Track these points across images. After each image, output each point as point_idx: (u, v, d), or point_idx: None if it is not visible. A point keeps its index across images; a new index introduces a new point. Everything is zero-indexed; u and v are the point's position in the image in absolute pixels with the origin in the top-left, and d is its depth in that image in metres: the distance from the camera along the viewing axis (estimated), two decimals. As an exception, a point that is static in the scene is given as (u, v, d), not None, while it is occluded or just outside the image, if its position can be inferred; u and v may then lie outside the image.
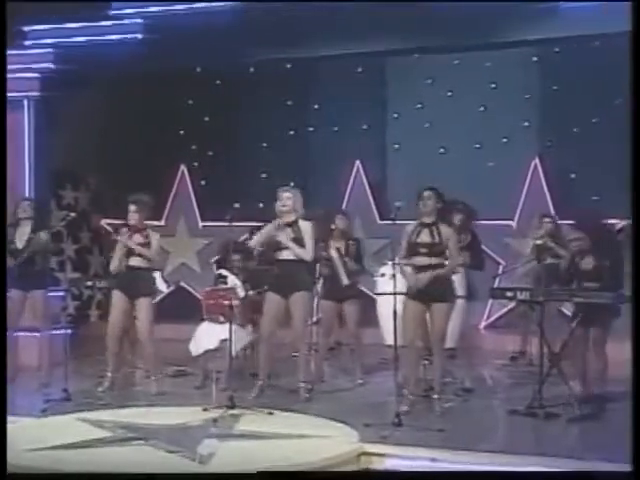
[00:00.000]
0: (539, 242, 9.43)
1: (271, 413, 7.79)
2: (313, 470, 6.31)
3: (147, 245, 8.87)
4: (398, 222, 7.90)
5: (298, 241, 8.37)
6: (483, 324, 12.21)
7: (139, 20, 10.66)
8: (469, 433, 7.37)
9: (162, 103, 12.85)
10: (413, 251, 7.88)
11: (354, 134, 12.89)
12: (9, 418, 7.12)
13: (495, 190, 11.75)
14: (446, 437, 7.10)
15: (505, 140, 12.38)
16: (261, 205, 11.76)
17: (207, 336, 8.93)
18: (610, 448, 6.66)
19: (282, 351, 8.93)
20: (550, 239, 9.86)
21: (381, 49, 10.46)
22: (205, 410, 7.78)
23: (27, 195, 10.17)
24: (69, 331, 9.44)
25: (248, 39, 10.19)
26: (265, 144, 13.28)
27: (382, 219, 12.51)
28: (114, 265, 8.88)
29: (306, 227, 8.44)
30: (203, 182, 13.48)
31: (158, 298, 9.90)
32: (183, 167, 13.49)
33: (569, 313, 8.76)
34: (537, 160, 12.22)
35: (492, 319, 12.29)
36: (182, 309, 11.43)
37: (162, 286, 9.64)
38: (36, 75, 10.55)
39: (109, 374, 8.92)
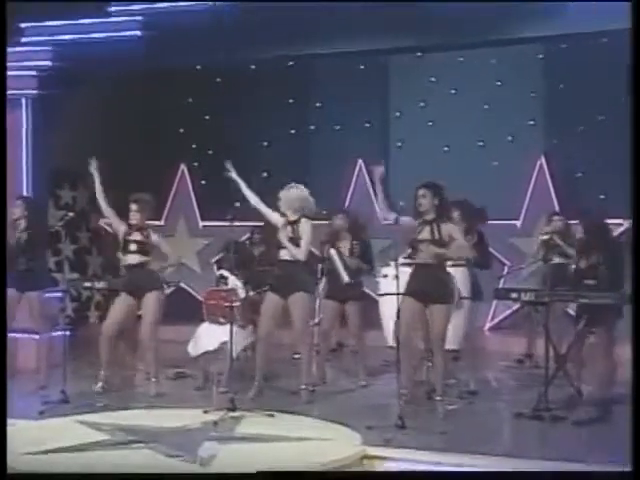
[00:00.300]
0: (545, 237, 9.37)
1: (272, 415, 7.71)
2: (314, 471, 6.24)
3: (147, 245, 8.75)
4: (401, 222, 7.84)
5: (294, 240, 8.35)
6: (488, 325, 12.10)
7: (138, 17, 10.55)
8: (473, 436, 7.27)
9: (162, 101, 12.77)
10: (414, 248, 7.82)
11: (356, 133, 12.81)
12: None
13: (500, 189, 11.61)
14: (450, 440, 7.02)
15: (510, 138, 12.28)
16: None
17: (207, 337, 8.88)
18: (617, 450, 6.52)
19: (283, 352, 8.84)
20: (559, 237, 9.78)
21: (384, 47, 10.35)
22: (205, 412, 7.71)
23: (25, 194, 10.05)
24: (67, 333, 9.31)
25: (249, 37, 10.09)
26: (266, 143, 13.20)
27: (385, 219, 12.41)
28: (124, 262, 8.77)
29: (305, 227, 8.39)
30: (203, 181, 13.37)
31: (168, 291, 9.72)
32: (183, 166, 13.42)
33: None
34: (543, 159, 12.11)
35: (497, 320, 12.19)
36: (182, 310, 11.30)
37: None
38: (34, 73, 10.45)
39: (102, 372, 8.79)
